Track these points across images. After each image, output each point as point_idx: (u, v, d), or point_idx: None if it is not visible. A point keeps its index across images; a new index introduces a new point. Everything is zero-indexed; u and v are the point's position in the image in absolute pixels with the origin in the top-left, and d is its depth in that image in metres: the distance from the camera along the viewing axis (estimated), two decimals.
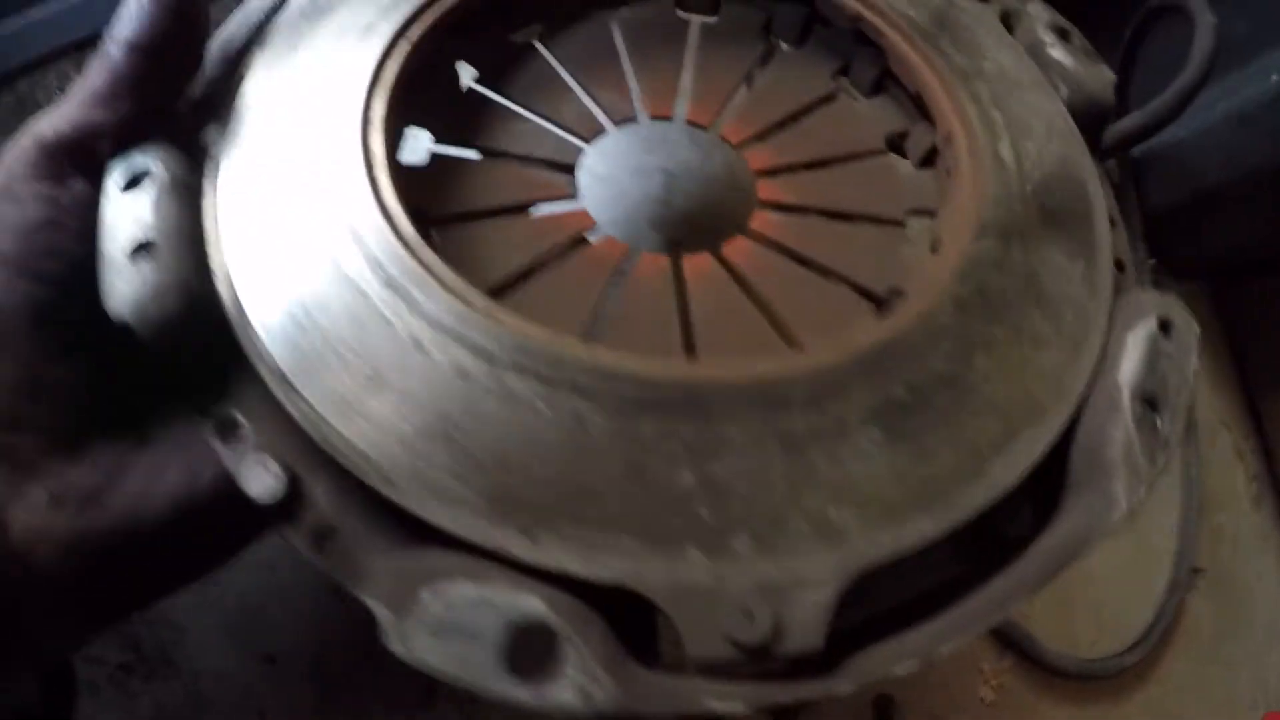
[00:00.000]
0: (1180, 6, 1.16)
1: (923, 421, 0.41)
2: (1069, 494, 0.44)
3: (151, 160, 0.46)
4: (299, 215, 0.44)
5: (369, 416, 0.39)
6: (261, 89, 0.50)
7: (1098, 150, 0.57)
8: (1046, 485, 0.44)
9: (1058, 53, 0.57)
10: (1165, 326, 0.47)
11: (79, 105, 0.50)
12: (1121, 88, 1.34)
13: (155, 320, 0.40)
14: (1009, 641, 1.07)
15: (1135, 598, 1.21)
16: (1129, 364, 0.45)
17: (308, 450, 0.40)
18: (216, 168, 0.48)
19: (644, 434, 0.38)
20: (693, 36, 0.59)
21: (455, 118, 0.55)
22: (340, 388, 0.40)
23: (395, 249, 0.42)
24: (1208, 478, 1.38)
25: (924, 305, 0.43)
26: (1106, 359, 0.46)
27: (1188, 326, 0.47)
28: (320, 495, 0.40)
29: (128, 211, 0.43)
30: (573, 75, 0.57)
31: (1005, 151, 0.49)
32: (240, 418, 0.42)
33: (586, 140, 0.55)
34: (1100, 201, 0.53)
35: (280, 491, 0.40)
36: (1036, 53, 0.57)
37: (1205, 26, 0.99)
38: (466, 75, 0.58)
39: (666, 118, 0.55)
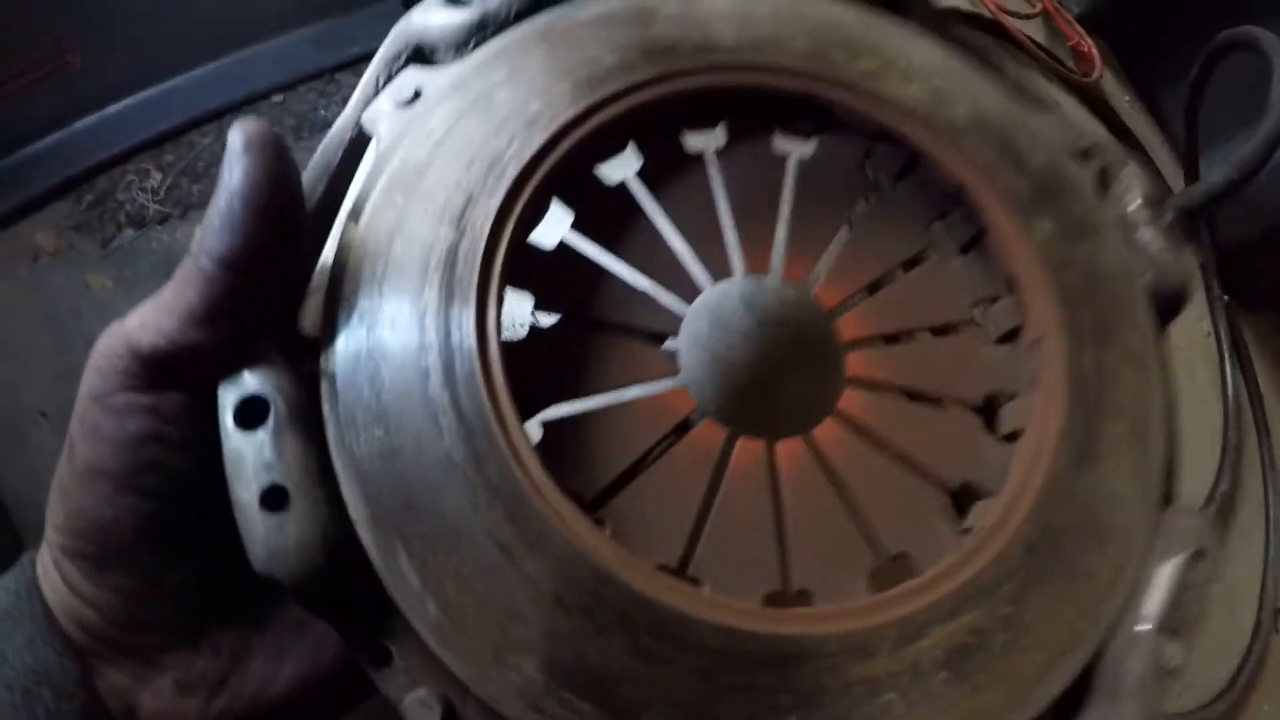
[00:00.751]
0: (1252, 44, 1.12)
1: (980, 661, 0.43)
2: (1086, 706, 0.45)
3: (266, 388, 0.44)
4: (427, 456, 0.44)
5: (517, 669, 0.41)
6: (367, 293, 0.47)
7: (1165, 332, 0.56)
8: (1066, 699, 0.46)
9: (1148, 234, 0.55)
10: (1198, 555, 0.48)
11: (175, 320, 0.45)
12: (1190, 126, 1.33)
13: (299, 574, 0.40)
14: None
15: (1217, 644, 1.21)
16: (1157, 597, 0.46)
17: (458, 683, 0.43)
18: (335, 393, 0.45)
19: (754, 682, 0.40)
20: (790, 174, 0.56)
21: (550, 275, 0.52)
22: (487, 641, 0.42)
23: (526, 502, 0.42)
24: None
25: (999, 548, 0.44)
26: (1139, 587, 0.47)
27: (1216, 551, 0.48)
28: (471, 714, 0.43)
29: (250, 452, 0.42)
30: (669, 219, 0.54)
31: (1088, 363, 0.49)
32: (393, 650, 0.43)
33: (686, 300, 0.52)
34: (1159, 412, 0.53)
35: None
36: (1126, 228, 0.55)
37: None
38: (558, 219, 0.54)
39: (763, 272, 0.53)
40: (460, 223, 0.47)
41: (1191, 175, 1.36)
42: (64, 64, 0.77)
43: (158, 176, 0.81)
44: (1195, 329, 1.36)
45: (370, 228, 0.49)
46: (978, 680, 0.43)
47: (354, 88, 0.84)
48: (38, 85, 0.77)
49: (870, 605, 0.42)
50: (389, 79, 0.56)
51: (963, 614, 0.42)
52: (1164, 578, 0.47)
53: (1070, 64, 1.40)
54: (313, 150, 0.66)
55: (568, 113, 0.50)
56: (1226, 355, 1.35)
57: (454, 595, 0.42)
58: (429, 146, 0.50)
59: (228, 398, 0.44)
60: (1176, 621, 0.46)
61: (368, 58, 0.88)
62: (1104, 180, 0.57)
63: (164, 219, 0.80)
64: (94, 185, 0.80)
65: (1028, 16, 1.38)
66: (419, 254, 0.47)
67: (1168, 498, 0.52)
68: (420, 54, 0.56)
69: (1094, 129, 0.63)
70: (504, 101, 0.51)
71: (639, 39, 0.53)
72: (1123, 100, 1.49)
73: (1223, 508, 1.22)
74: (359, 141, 0.54)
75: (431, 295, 0.46)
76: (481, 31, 0.55)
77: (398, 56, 0.57)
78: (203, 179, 0.82)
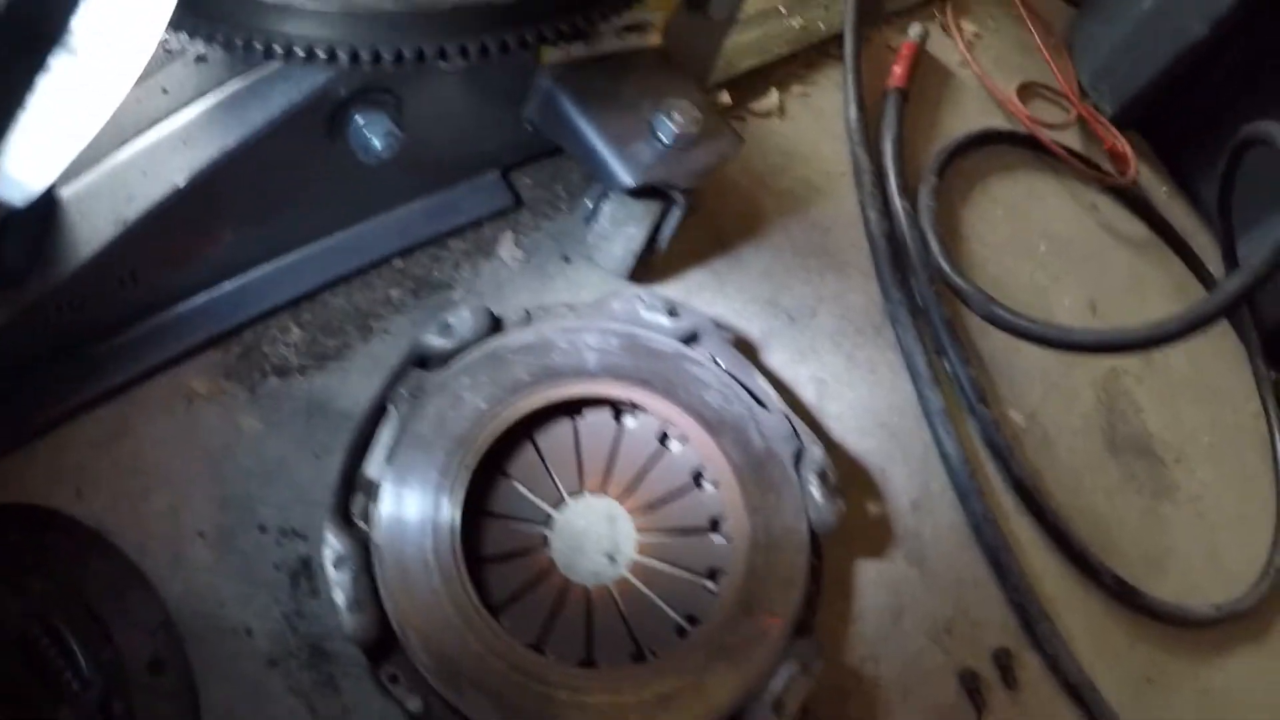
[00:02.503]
0: (1267, 141, 1.20)
1: (674, 708, 0.80)
2: None
3: (347, 548, 0.81)
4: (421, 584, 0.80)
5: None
6: (394, 504, 0.83)
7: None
8: None
9: (814, 489, 0.90)
10: (804, 668, 0.84)
11: None
12: (1224, 215, 1.41)
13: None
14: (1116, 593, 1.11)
15: (1247, 544, 1.27)
16: (777, 685, 0.82)
17: None
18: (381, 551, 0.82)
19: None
20: (621, 433, 0.93)
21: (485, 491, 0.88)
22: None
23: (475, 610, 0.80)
24: None
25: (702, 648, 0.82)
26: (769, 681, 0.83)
27: (816, 663, 0.84)
28: None
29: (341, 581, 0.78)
30: (547, 460, 0.91)
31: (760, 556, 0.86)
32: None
33: (554, 507, 0.90)
34: (801, 577, 0.87)
35: None
36: (802, 487, 0.90)
37: None
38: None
39: (601, 493, 0.91)
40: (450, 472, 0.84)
41: (1230, 260, 1.44)
42: (218, 238, 0.89)
43: (297, 332, 0.94)
44: (1245, 409, 1.43)
45: (394, 467, 0.83)
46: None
47: (462, 252, 0.98)
48: (197, 255, 0.89)
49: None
50: (403, 374, 0.88)
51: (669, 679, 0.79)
52: (782, 675, 0.82)
53: (1107, 166, 1.50)
54: (430, 309, 0.82)
55: (502, 410, 0.87)
56: (1276, 431, 1.41)
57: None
58: (430, 425, 0.86)
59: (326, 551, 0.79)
60: (783, 700, 0.81)
61: (473, 224, 1.02)
62: (798, 460, 0.91)
63: (304, 369, 0.92)
64: (241, 338, 0.91)
65: (1063, 126, 1.48)
66: (424, 483, 0.83)
67: (804, 627, 0.87)
68: (423, 360, 0.89)
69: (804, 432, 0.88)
70: (468, 400, 0.87)
71: (542, 364, 0.90)
72: (1160, 192, 1.58)
73: (1277, 581, 1.28)
74: (381, 409, 0.87)
75: (429, 504, 0.82)
76: (458, 352, 0.89)
77: (410, 357, 0.89)
78: (336, 334, 0.95)
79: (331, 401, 0.91)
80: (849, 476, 1.01)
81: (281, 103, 0.78)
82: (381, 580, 0.79)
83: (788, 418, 0.94)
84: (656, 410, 0.90)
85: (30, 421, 0.81)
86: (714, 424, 0.90)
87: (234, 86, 0.79)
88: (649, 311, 0.95)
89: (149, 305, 0.88)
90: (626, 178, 0.92)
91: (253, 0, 0.69)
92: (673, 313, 0.95)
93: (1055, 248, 1.33)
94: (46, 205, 0.72)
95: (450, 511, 0.83)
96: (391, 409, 0.87)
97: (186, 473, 0.83)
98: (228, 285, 0.94)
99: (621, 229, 0.99)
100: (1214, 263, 1.50)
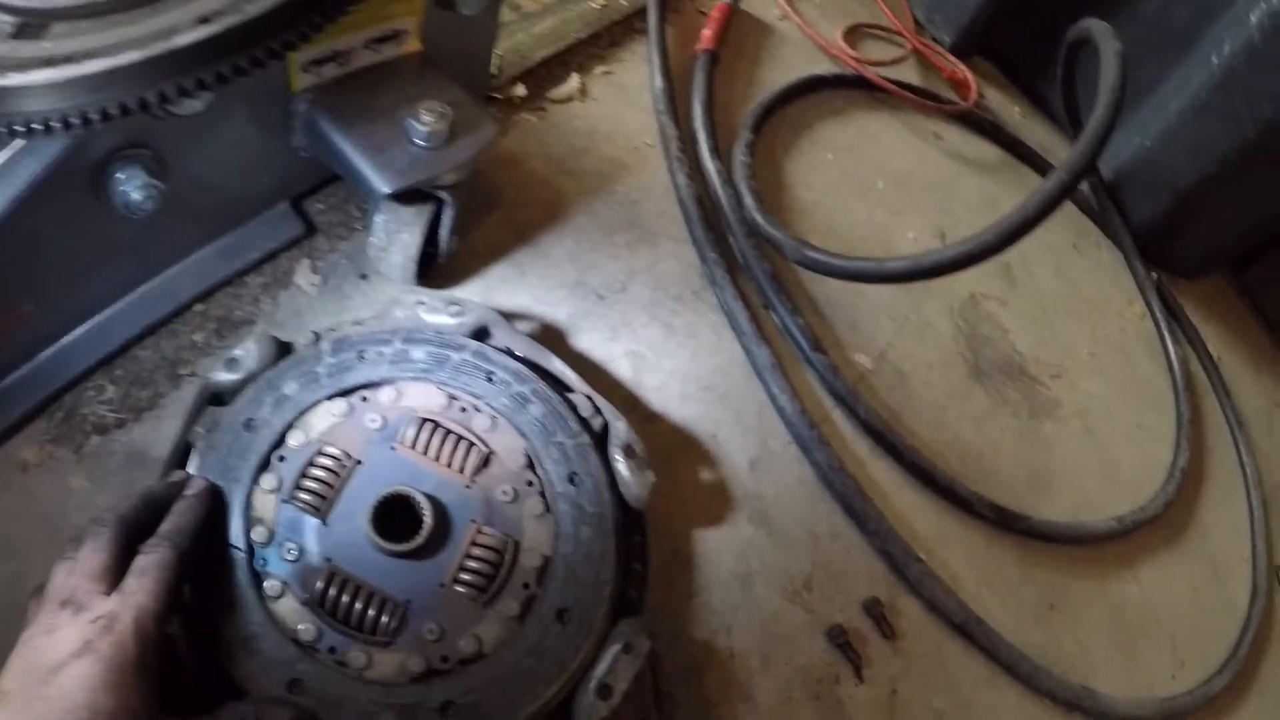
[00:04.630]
0: (1087, 38, 1.17)
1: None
2: None
3: None
4: None
5: None
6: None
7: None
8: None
9: (622, 466, 0.86)
10: (627, 647, 0.80)
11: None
12: (1074, 123, 1.38)
13: None
14: (1071, 704, 1.02)
15: (1215, 616, 1.21)
16: (601, 668, 0.79)
17: None
18: None
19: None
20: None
21: None
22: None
23: None
24: (1268, 468, 1.36)
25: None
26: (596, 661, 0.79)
27: (642, 644, 0.80)
28: None
29: None
30: None
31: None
32: None
33: None
34: (610, 571, 0.82)
35: None
36: (609, 465, 0.87)
37: (1110, 58, 1.01)
38: None
39: None
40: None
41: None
42: (22, 314, 0.89)
43: (111, 389, 0.93)
44: (1128, 313, 1.40)
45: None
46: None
47: (260, 286, 0.96)
48: (5, 334, 0.89)
49: None
50: (200, 413, 0.85)
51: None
52: (606, 659, 0.79)
53: (950, 94, 1.47)
54: (232, 346, 0.81)
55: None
56: (1165, 330, 1.38)
57: None
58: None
59: None
60: (609, 684, 0.78)
61: (268, 258, 1.00)
62: (603, 438, 0.89)
63: (121, 423, 0.91)
64: (62, 403, 0.91)
65: (895, 63, 1.45)
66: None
67: (629, 607, 0.84)
68: (218, 397, 0.87)
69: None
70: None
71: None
72: (1013, 113, 1.55)
73: (1183, 483, 1.24)
74: (184, 447, 0.84)
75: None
76: (247, 383, 0.86)
77: (203, 396, 0.87)
78: (148, 385, 0.94)
79: (150, 450, 0.90)
80: (676, 446, 0.98)
81: (27, 176, 0.79)
82: None
83: (589, 398, 0.91)
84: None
85: None
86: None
87: None
88: (431, 314, 0.92)
89: None
90: (383, 185, 0.90)
91: None
92: (456, 311, 0.92)
93: (895, 182, 1.30)
94: None
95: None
96: (193, 447, 0.84)
97: (27, 538, 0.83)
98: (42, 355, 0.94)
99: (396, 237, 0.96)
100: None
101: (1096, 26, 1.14)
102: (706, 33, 1.31)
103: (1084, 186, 1.47)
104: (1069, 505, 1.18)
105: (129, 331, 0.97)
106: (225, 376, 0.87)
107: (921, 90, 1.42)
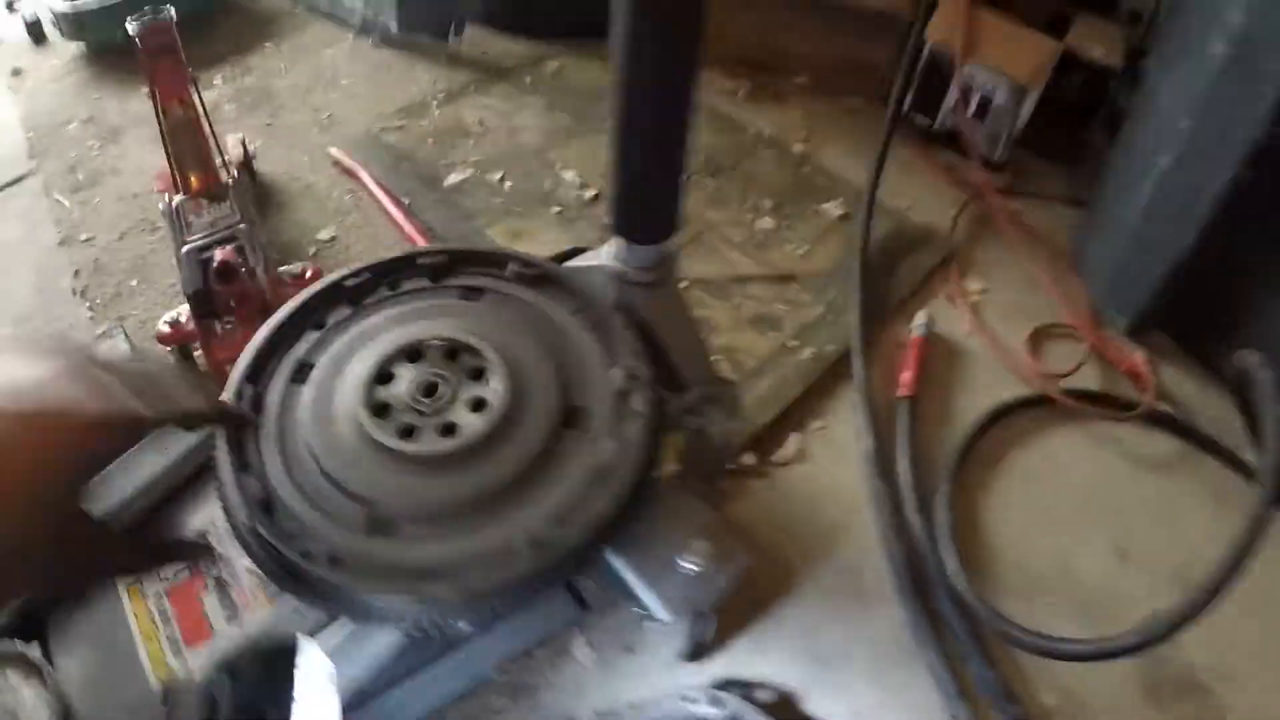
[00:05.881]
0: (1248, 377, 1.33)
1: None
2: None
3: None
4: None
5: None
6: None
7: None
8: None
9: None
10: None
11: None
12: (1255, 434, 1.52)
13: None
14: None
15: None
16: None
17: None
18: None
19: None
20: None
21: None
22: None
23: None
24: None
25: None
26: None
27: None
28: None
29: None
30: None
31: None
32: None
33: None
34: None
35: None
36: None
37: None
38: None
39: None
40: None
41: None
42: None
43: None
44: None
45: None
46: None
47: (545, 658, 1.26)
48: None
49: None
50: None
51: None
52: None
53: (1128, 389, 1.63)
54: (524, 709, 1.14)
55: None
56: None
57: None
58: None
59: None
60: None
61: (550, 637, 1.31)
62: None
63: None
64: None
65: (1075, 370, 1.63)
66: None
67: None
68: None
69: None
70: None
71: None
72: (1185, 389, 1.68)
73: None
74: None
75: None
76: None
77: None
78: None
79: None
80: None
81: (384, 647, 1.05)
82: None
83: None
84: None
85: None
86: None
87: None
88: (694, 705, 1.20)
89: None
90: (665, 615, 1.19)
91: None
92: (716, 701, 1.19)
93: (1076, 502, 1.48)
94: None
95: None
96: None
97: None
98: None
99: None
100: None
101: (1256, 373, 1.30)
102: (906, 375, 1.54)
103: None
104: None
105: (441, 700, 1.23)
106: None
107: (1101, 397, 1.59)
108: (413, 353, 1.04)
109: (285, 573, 0.92)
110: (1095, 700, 1.34)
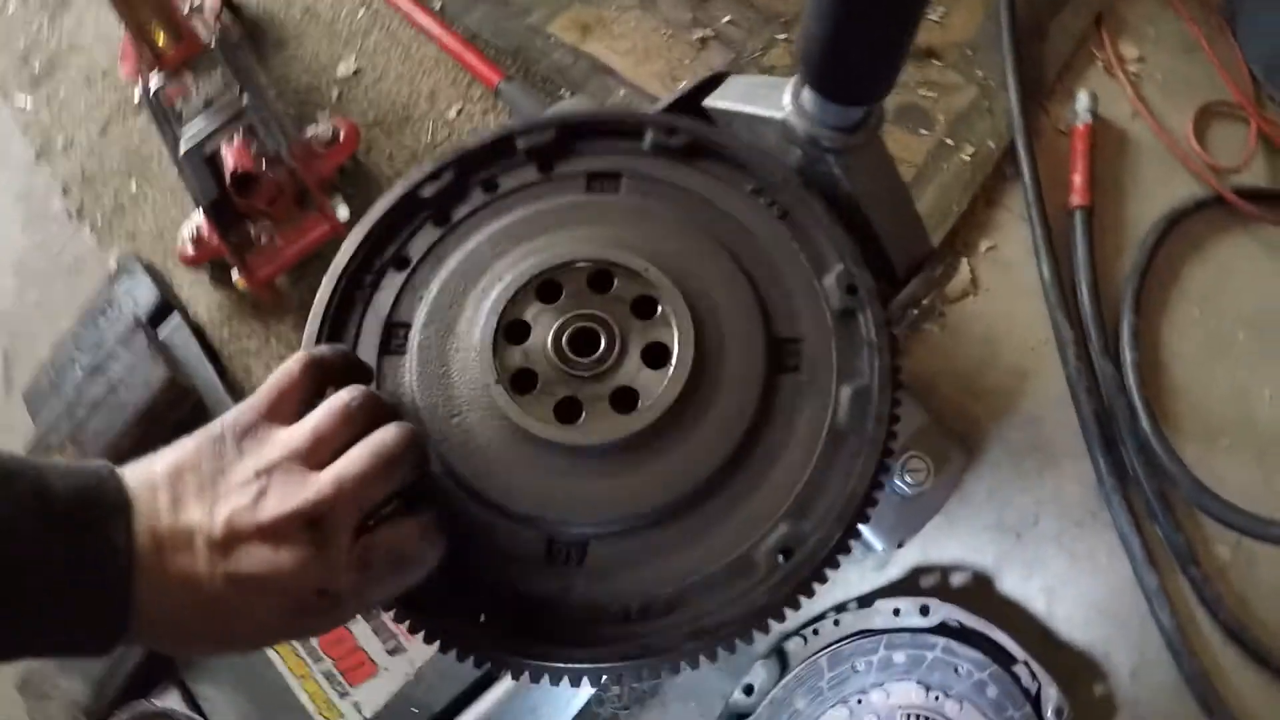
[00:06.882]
0: None
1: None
2: None
3: None
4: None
5: None
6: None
7: None
8: None
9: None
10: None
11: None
12: None
13: None
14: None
15: None
16: None
17: None
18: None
19: None
20: None
21: None
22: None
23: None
24: None
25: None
26: None
27: None
28: None
29: None
30: None
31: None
32: None
33: None
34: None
35: None
36: None
37: None
38: None
39: None
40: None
41: None
42: None
43: None
44: None
45: None
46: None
47: None
48: None
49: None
50: None
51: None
52: None
53: None
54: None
55: None
56: None
57: None
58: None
59: None
60: None
61: None
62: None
63: None
64: None
65: (1244, 165, 1.42)
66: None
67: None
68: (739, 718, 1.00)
69: None
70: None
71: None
72: None
73: None
74: None
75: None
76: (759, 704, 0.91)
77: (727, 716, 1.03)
78: None
79: None
80: (1077, 668, 1.15)
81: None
82: None
83: (1026, 664, 1.07)
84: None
85: None
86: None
87: None
88: (905, 618, 1.07)
89: None
90: (883, 547, 1.04)
91: None
92: (925, 610, 1.07)
93: (1254, 329, 1.33)
94: None
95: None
96: None
97: None
98: None
99: None
100: None
101: None
102: (1077, 179, 1.30)
103: None
104: None
105: None
106: (743, 699, 1.04)
107: (1275, 196, 1.40)
108: (547, 289, 0.74)
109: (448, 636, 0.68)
110: (1263, 549, 1.28)
